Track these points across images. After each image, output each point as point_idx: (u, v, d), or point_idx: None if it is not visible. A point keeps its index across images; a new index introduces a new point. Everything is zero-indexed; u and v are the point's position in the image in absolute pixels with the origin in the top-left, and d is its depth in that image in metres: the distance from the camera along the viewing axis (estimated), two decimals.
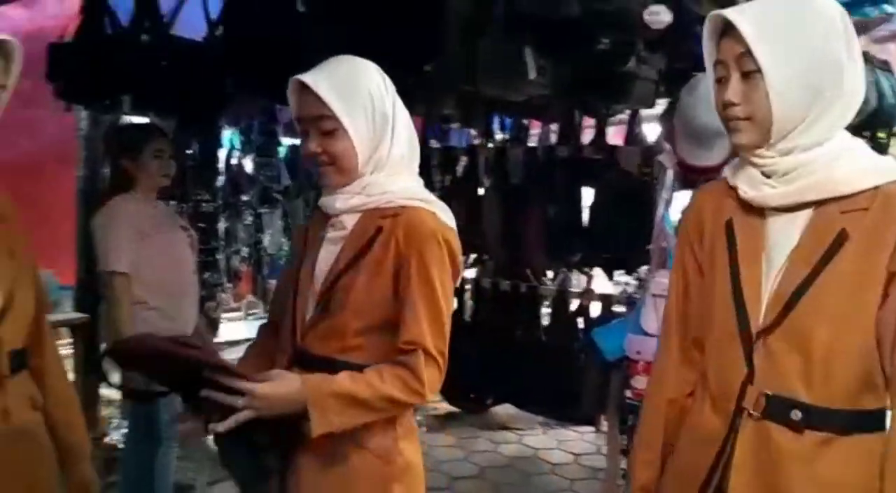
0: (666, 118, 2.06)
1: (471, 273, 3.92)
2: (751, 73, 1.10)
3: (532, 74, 1.95)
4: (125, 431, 3.53)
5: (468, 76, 2.11)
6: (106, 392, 3.70)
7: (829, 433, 1.09)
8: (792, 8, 1.11)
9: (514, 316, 3.00)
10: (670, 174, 2.18)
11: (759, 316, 1.14)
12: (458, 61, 2.15)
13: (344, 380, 1.32)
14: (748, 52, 1.09)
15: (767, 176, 1.14)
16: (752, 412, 1.13)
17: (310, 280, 1.44)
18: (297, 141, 3.51)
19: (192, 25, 3.07)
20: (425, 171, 2.98)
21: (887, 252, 1.07)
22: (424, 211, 1.41)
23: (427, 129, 3.64)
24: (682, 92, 1.82)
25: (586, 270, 3.13)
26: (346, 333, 1.38)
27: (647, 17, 1.68)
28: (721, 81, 1.15)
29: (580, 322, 3.06)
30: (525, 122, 3.92)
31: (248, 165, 3.27)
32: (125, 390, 2.50)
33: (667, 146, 2.11)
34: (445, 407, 4.25)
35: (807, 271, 1.10)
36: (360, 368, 1.35)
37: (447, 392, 3.70)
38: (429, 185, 3.08)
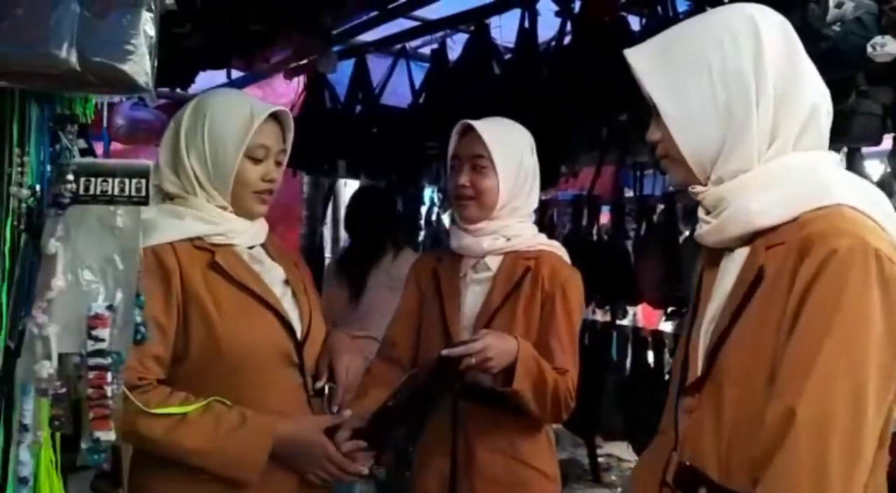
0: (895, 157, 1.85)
1: (668, 327, 3.75)
2: (656, 110, 1.00)
3: None
4: None
5: None
6: None
7: None
8: (688, 28, 1.01)
9: None
10: None
11: (697, 373, 1.00)
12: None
13: (541, 360, 1.46)
14: None
15: (708, 212, 1.02)
16: (668, 482, 1.00)
17: (457, 319, 1.58)
18: None
19: (398, 94, 3.38)
20: (619, 218, 2.94)
21: (785, 294, 0.88)
22: (558, 255, 1.62)
23: (620, 177, 3.60)
24: None
25: None
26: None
27: (870, 50, 1.54)
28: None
29: None
30: None
31: (446, 220, 3.47)
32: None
33: None
34: None
35: (727, 322, 0.96)
36: (520, 396, 1.45)
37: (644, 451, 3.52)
38: (622, 234, 3.06)
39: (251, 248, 1.41)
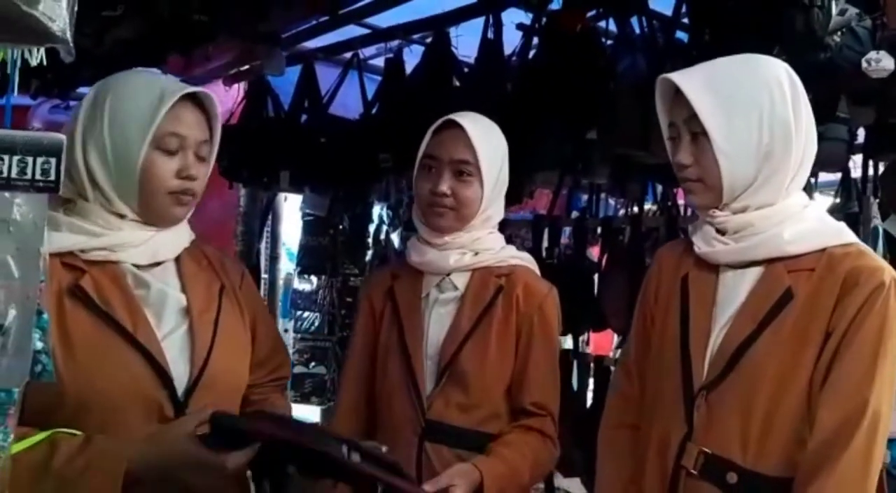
0: (889, 180, 1.80)
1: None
2: (699, 136, 1.11)
3: None
4: None
5: (641, 140, 1.96)
6: None
7: None
8: (738, 70, 1.12)
9: None
10: (881, 245, 1.94)
11: (703, 372, 1.13)
12: (628, 125, 2.02)
13: (513, 463, 1.32)
14: (695, 115, 1.09)
15: (722, 233, 1.15)
16: (690, 470, 1.11)
17: (420, 347, 1.39)
18: None
19: (347, 106, 3.19)
20: (581, 240, 2.82)
21: (827, 313, 1.07)
22: (532, 270, 1.47)
23: (573, 199, 3.50)
24: None
25: None
26: (486, 402, 1.37)
27: (865, 65, 1.47)
28: (674, 142, 1.17)
29: None
30: (674, 190, 3.70)
31: (396, 239, 3.28)
32: None
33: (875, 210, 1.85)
34: None
35: (750, 329, 1.10)
36: (493, 437, 1.36)
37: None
38: (584, 256, 2.94)
39: (154, 265, 1.14)
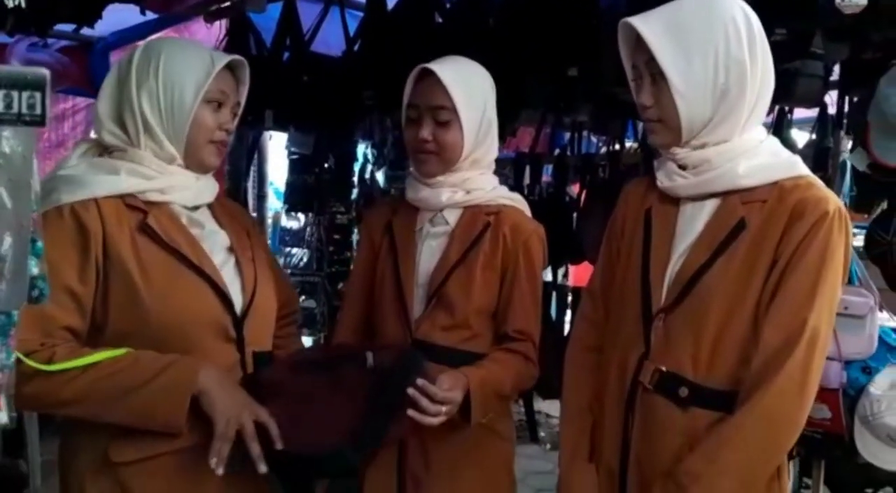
0: (856, 113, 1.84)
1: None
2: (658, 77, 1.16)
3: None
4: None
5: (623, 77, 1.97)
6: None
7: (711, 411, 1.15)
8: (695, 12, 1.15)
9: None
10: (848, 178, 2.01)
11: (661, 297, 1.21)
12: (610, 62, 2.02)
13: (495, 373, 1.43)
14: (654, 58, 1.13)
15: (683, 168, 1.21)
16: (647, 386, 1.20)
17: (412, 276, 1.50)
18: None
19: (329, 44, 3.15)
20: (562, 176, 2.86)
21: (775, 242, 1.13)
22: (520, 210, 1.54)
23: (556, 137, 3.53)
24: (882, 83, 1.61)
25: None
26: (467, 324, 1.46)
27: (838, 1, 1.49)
28: (637, 84, 1.22)
29: None
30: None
31: (381, 178, 3.31)
32: None
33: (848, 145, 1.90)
34: None
35: (705, 257, 1.17)
36: (477, 356, 1.45)
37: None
38: (564, 192, 2.98)
39: (195, 208, 1.29)
